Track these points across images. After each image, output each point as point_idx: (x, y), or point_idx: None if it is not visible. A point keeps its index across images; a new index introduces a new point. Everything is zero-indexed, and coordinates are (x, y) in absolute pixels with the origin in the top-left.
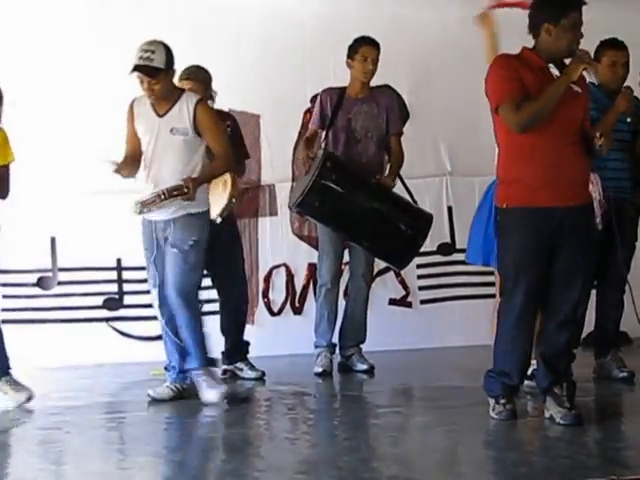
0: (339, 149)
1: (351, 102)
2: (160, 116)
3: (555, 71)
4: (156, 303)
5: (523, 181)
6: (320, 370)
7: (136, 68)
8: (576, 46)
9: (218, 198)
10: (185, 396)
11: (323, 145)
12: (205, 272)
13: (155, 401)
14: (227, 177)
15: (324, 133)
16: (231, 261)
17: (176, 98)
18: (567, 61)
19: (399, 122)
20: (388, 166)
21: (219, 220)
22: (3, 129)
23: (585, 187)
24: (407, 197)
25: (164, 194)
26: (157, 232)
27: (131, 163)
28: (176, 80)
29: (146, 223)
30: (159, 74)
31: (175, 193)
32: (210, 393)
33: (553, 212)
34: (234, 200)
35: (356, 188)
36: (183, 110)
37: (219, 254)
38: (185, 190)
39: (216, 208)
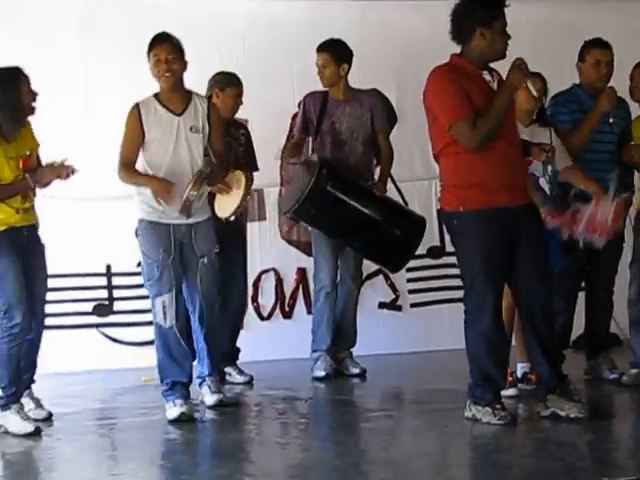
0: (326, 153)
1: (334, 105)
2: (178, 115)
3: (487, 77)
4: (172, 309)
5: (482, 185)
6: (322, 374)
7: (157, 39)
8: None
9: (231, 197)
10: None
11: (311, 151)
12: None
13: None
14: (241, 176)
15: (311, 139)
16: (234, 264)
17: (189, 97)
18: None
19: (385, 120)
20: (378, 167)
21: (232, 218)
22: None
23: (526, 186)
24: (399, 199)
25: (203, 171)
26: (176, 235)
27: (134, 168)
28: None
29: (158, 226)
30: (180, 51)
31: (209, 171)
32: (213, 397)
33: (510, 211)
34: (248, 199)
35: (352, 194)
36: (198, 108)
37: (224, 256)
38: (207, 171)
39: (229, 207)
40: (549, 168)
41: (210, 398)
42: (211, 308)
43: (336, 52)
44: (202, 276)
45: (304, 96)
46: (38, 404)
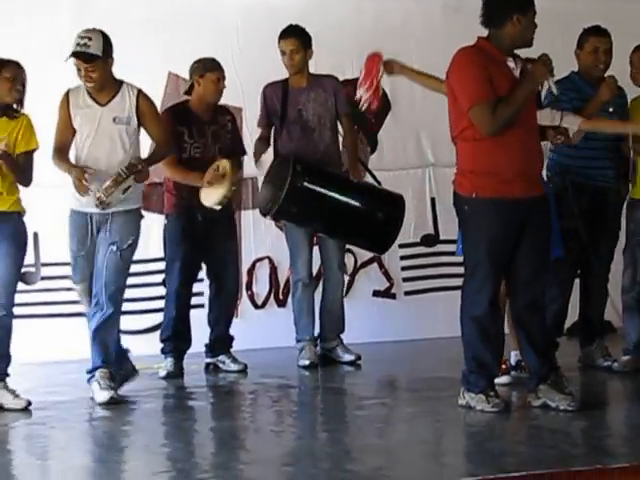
0: (295, 142)
1: (297, 92)
2: (102, 105)
3: (510, 64)
4: (85, 297)
5: (496, 173)
6: (307, 362)
7: (73, 54)
8: None
9: (218, 186)
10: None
11: (278, 143)
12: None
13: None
14: (226, 163)
15: (274, 129)
16: (227, 252)
17: (117, 88)
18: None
19: (347, 103)
20: (345, 151)
21: (218, 207)
22: (28, 116)
23: (541, 178)
24: (372, 181)
25: (123, 172)
26: (92, 224)
27: (64, 154)
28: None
29: (78, 215)
30: (96, 60)
31: (133, 170)
32: (102, 394)
33: (523, 202)
34: (234, 188)
35: (330, 185)
36: (125, 99)
37: (216, 244)
38: (140, 167)
39: (214, 196)
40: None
41: (99, 395)
42: (110, 297)
43: (303, 38)
44: (108, 263)
45: (263, 87)
46: (15, 394)
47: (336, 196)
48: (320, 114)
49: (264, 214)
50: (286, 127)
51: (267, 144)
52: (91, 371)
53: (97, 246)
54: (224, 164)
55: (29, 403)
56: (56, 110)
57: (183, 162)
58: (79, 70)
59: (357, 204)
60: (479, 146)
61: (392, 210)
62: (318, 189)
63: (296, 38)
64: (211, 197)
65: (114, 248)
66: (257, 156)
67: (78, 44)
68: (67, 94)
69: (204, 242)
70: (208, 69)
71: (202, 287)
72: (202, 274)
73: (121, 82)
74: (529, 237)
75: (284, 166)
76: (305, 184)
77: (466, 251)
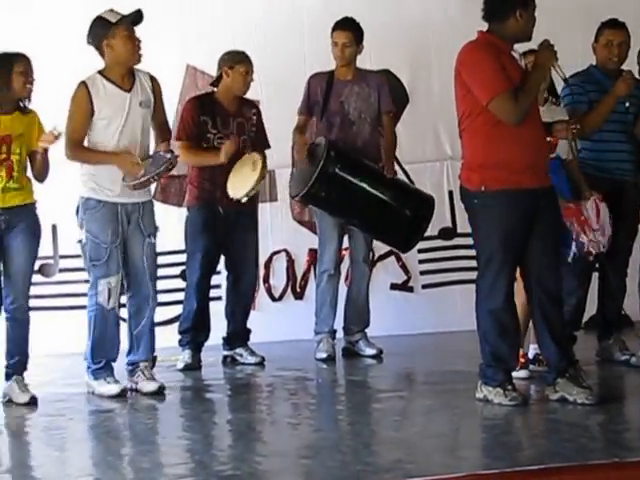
0: (334, 133)
1: (341, 85)
2: (127, 91)
3: (515, 54)
4: (115, 290)
5: (507, 164)
6: (324, 355)
7: (138, 18)
8: None
9: (245, 178)
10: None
11: (315, 132)
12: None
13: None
14: (257, 157)
15: (316, 119)
16: (246, 246)
17: (133, 73)
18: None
19: (390, 101)
20: (383, 150)
21: (245, 200)
22: (35, 112)
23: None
24: (406, 180)
25: (173, 159)
26: (123, 215)
27: (86, 146)
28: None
29: (107, 205)
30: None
31: (170, 168)
32: (151, 384)
33: (534, 193)
34: (262, 182)
35: (361, 175)
36: (144, 84)
37: (236, 237)
38: (173, 161)
39: (243, 188)
40: (578, 145)
41: (146, 385)
42: (155, 290)
43: (357, 32)
44: (148, 256)
45: (309, 77)
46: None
47: (366, 187)
48: (361, 109)
49: (293, 196)
50: (326, 117)
51: (304, 133)
52: (133, 363)
53: (129, 238)
54: (256, 157)
55: (33, 399)
56: (67, 102)
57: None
58: (130, 39)
59: (386, 198)
60: (490, 139)
61: (420, 209)
62: (348, 177)
63: (351, 32)
64: (239, 189)
65: (152, 240)
66: (297, 145)
67: (129, 14)
68: (85, 85)
69: (225, 235)
70: (237, 61)
71: (220, 279)
72: (220, 266)
73: (132, 68)
74: (541, 227)
75: (318, 151)
76: (336, 171)
77: (478, 245)
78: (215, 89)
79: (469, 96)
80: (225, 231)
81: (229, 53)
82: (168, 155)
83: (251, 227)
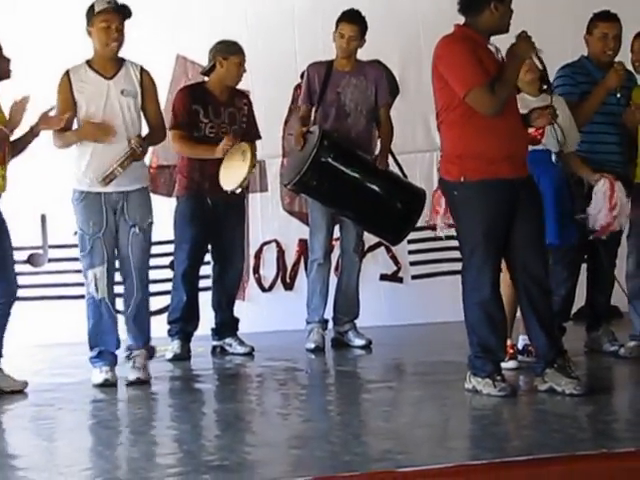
0: (329, 124)
1: (339, 76)
2: (108, 78)
3: (491, 47)
4: (102, 282)
5: (485, 155)
6: (313, 346)
7: (118, 7)
8: None
9: (236, 169)
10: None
11: (312, 121)
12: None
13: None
14: (245, 147)
15: (314, 109)
16: (234, 237)
17: (121, 63)
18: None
19: (387, 94)
20: (379, 141)
21: (238, 191)
22: None
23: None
24: (399, 172)
25: (138, 146)
26: (107, 205)
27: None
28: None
29: (89, 196)
30: (126, 19)
31: (131, 159)
32: (133, 374)
33: (511, 183)
34: (253, 171)
35: (354, 166)
36: (130, 73)
37: (223, 228)
38: (139, 151)
39: (235, 179)
40: (559, 133)
41: (130, 373)
42: (142, 279)
43: (363, 25)
44: (133, 246)
45: (307, 66)
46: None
47: (357, 177)
48: (358, 101)
49: (285, 184)
50: (322, 107)
51: (307, 123)
52: (127, 349)
53: (115, 229)
54: (244, 147)
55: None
56: (46, 93)
57: (196, 141)
58: (108, 28)
59: (377, 189)
60: (467, 130)
61: (411, 202)
62: (341, 167)
63: (358, 25)
64: (231, 181)
65: (136, 230)
66: (288, 130)
67: (109, 2)
68: (67, 74)
69: (212, 226)
70: (232, 52)
71: (210, 270)
72: (209, 257)
73: (122, 59)
74: (522, 216)
75: (311, 139)
76: (329, 160)
77: (461, 237)
78: (206, 78)
79: (446, 89)
80: (213, 222)
81: (223, 43)
82: (134, 143)
83: (239, 218)
